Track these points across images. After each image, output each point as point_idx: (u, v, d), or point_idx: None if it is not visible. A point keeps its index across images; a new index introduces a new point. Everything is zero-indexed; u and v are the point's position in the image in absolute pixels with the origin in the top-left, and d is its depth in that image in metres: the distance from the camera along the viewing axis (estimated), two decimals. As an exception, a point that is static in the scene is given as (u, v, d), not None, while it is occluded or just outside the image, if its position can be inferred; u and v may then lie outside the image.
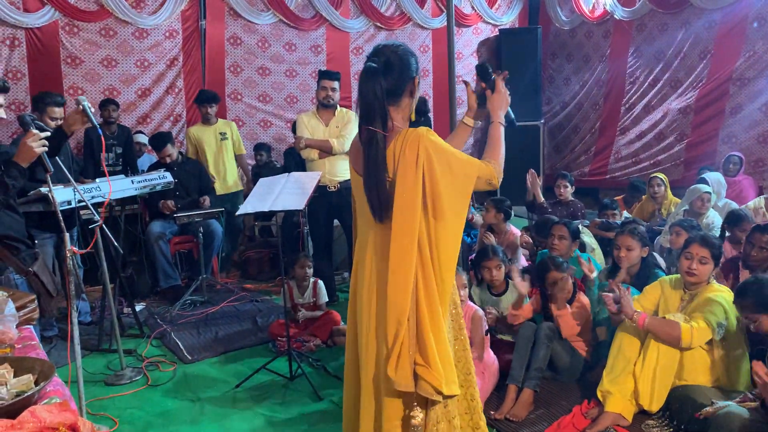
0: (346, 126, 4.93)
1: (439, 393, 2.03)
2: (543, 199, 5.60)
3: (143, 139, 6.66)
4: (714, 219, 4.87)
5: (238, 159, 6.49)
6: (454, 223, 2.08)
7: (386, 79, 2.09)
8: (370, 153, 2.08)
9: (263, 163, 6.94)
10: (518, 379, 3.33)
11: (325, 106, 4.96)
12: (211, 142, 6.18)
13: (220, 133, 6.24)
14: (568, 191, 5.76)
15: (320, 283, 4.54)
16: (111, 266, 4.12)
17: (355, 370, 2.28)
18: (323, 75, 5.01)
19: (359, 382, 2.23)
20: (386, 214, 2.09)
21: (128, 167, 6.14)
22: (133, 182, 4.68)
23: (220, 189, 6.19)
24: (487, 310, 3.74)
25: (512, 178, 9.89)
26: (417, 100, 2.25)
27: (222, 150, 6.24)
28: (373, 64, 2.09)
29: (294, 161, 6.21)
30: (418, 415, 2.08)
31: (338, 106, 5.05)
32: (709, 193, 4.95)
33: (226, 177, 6.31)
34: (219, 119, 6.35)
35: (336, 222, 5.23)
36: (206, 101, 6.16)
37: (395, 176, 2.05)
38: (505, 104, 2.37)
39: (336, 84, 4.95)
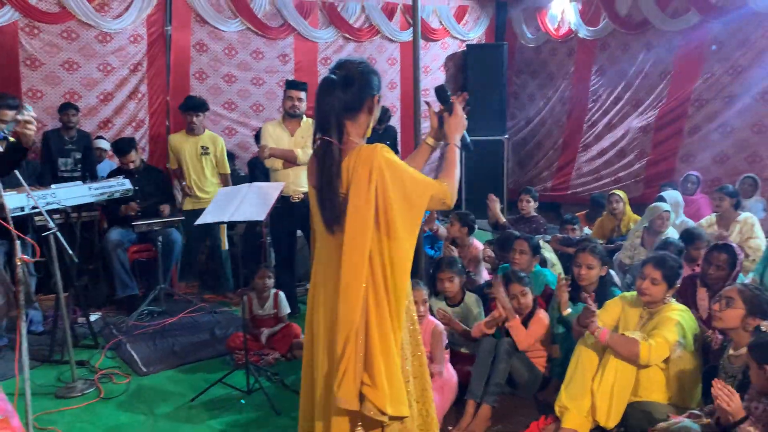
0: (312, 137, 4.89)
1: (384, 414, 2.01)
2: (504, 219, 5.62)
3: (104, 144, 6.53)
4: (673, 236, 4.96)
5: (222, 179, 5.88)
6: (406, 241, 2.08)
7: (345, 92, 2.10)
8: (325, 163, 2.09)
9: (226, 172, 6.86)
10: (477, 395, 3.33)
11: (291, 116, 4.93)
12: (191, 154, 5.63)
13: (202, 147, 5.64)
14: (530, 206, 5.81)
15: (281, 294, 4.49)
16: (65, 275, 4.01)
17: (311, 383, 2.25)
18: (290, 85, 4.98)
19: (314, 397, 2.21)
20: (337, 226, 2.09)
21: (87, 173, 6.00)
22: (90, 189, 4.58)
23: (192, 203, 5.71)
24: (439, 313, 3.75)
25: (476, 192, 10.02)
26: (376, 118, 2.25)
27: (202, 165, 5.67)
28: (333, 76, 2.10)
29: (259, 170, 6.14)
30: None
31: (305, 116, 5.02)
32: (669, 211, 5.05)
33: (200, 195, 5.71)
34: (207, 131, 5.82)
35: (299, 233, 5.18)
36: (191, 109, 5.59)
37: (348, 192, 2.04)
38: (461, 127, 2.37)
39: (303, 94, 4.92)
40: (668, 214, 5.03)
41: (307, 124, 4.98)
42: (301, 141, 4.90)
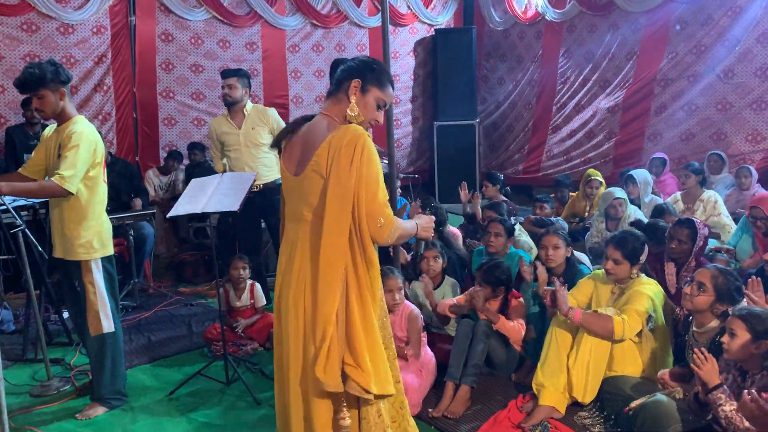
0: (279, 124, 4.87)
1: (369, 392, 2.04)
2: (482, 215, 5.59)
3: (70, 138, 6.38)
4: (636, 216, 5.03)
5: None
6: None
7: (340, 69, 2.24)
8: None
9: (197, 163, 6.79)
10: (456, 376, 3.36)
11: (227, 105, 4.92)
12: (50, 159, 3.32)
13: (59, 146, 3.21)
14: (489, 191, 5.92)
15: (257, 285, 4.47)
16: (35, 272, 3.94)
17: (284, 370, 2.26)
18: (221, 74, 5.00)
19: (288, 383, 2.21)
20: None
21: (54, 168, 5.87)
22: (58, 184, 4.46)
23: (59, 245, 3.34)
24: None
25: (449, 177, 10.01)
26: (356, 111, 2.18)
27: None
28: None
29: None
30: (347, 416, 2.08)
31: (249, 103, 4.95)
32: (621, 198, 5.11)
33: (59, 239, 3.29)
34: (76, 119, 3.27)
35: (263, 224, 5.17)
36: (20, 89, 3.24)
37: (329, 173, 2.05)
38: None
39: (233, 80, 4.85)
40: (620, 201, 5.08)
41: (255, 110, 4.91)
42: (252, 132, 4.83)
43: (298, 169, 2.18)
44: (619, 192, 5.18)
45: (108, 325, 3.31)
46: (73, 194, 3.13)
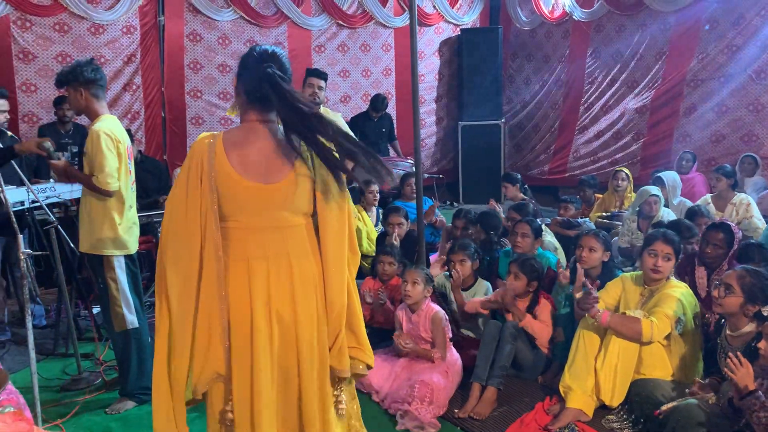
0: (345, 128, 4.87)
1: (370, 367, 2.16)
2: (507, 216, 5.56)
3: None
4: (667, 217, 4.97)
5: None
6: None
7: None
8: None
9: (224, 162, 6.84)
10: (482, 378, 3.35)
11: None
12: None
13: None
14: (508, 191, 5.88)
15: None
16: (67, 268, 4.01)
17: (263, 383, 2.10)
18: (311, 72, 4.88)
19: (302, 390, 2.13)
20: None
21: (84, 166, 5.96)
22: (89, 182, 4.54)
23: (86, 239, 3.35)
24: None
25: (475, 176, 9.95)
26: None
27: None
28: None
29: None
30: (344, 398, 2.13)
31: (322, 106, 4.99)
32: (657, 196, 5.04)
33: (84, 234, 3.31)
34: (104, 117, 3.30)
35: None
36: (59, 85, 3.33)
37: (317, 174, 2.07)
38: None
39: (323, 83, 4.84)
40: (656, 198, 5.00)
41: (325, 112, 4.90)
42: None
43: (270, 177, 2.02)
44: (654, 189, 5.10)
45: (131, 321, 3.37)
46: (114, 191, 3.21)
